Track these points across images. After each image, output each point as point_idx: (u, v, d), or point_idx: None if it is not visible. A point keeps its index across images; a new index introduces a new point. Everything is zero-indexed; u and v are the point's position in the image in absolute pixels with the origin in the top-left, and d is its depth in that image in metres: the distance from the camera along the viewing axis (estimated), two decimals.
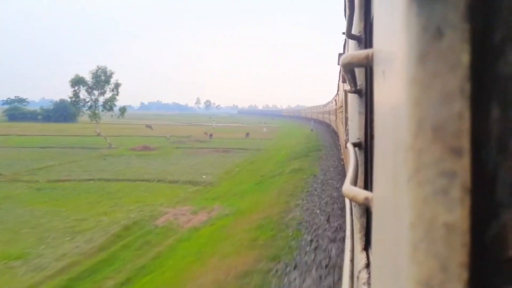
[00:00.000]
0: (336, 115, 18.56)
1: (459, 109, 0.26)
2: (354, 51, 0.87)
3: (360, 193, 0.73)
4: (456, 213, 0.26)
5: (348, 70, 1.06)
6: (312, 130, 42.59)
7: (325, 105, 39.24)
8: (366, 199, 0.71)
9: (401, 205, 0.31)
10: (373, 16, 1.43)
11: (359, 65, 0.75)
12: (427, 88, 0.27)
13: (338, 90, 15.22)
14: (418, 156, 0.27)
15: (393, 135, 0.36)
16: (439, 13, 0.26)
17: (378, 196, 0.55)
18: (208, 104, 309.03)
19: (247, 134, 45.40)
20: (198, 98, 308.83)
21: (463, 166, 0.26)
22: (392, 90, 0.37)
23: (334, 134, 27.75)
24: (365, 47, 1.59)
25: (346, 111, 5.30)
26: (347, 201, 1.60)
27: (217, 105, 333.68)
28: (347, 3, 1.71)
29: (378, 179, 0.56)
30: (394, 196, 0.35)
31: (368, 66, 1.57)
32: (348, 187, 0.79)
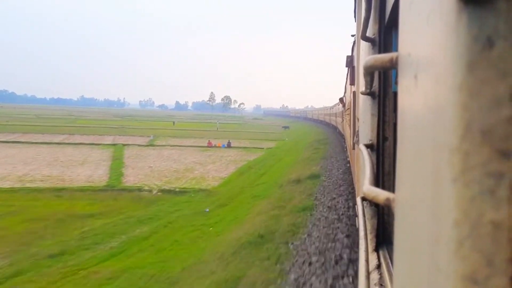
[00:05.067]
0: (343, 118, 18.54)
1: (508, 114, 0.27)
2: (377, 55, 0.88)
3: (381, 194, 0.74)
4: (503, 212, 0.26)
5: (369, 72, 1.07)
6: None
7: (331, 107, 38.74)
8: (388, 199, 0.72)
9: (442, 204, 0.33)
10: (388, 20, 1.44)
11: (383, 68, 0.76)
12: (475, 94, 0.28)
13: (345, 92, 15.19)
14: (465, 158, 0.28)
15: (430, 138, 0.38)
16: (490, 24, 0.27)
17: (404, 197, 0.56)
18: (226, 101, 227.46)
19: None
20: (212, 92, 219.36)
21: (511, 167, 0.27)
22: (430, 94, 0.38)
23: (341, 136, 26.69)
24: (379, 50, 1.60)
25: (354, 113, 5.30)
26: (358, 202, 1.61)
27: (240, 104, 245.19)
28: (363, 5, 1.73)
29: (404, 180, 0.57)
30: (432, 196, 0.36)
31: (383, 70, 1.58)
32: (368, 188, 0.80)
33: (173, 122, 71.00)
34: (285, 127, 71.66)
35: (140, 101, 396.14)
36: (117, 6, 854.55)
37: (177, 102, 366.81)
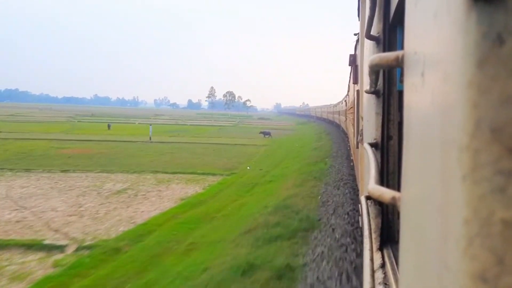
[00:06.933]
0: (346, 116, 18.49)
1: None
2: (383, 53, 0.88)
3: (387, 193, 0.74)
4: None
5: (374, 71, 1.07)
6: None
7: (335, 105, 38.39)
8: (393, 198, 0.72)
9: (451, 202, 0.32)
10: (392, 18, 1.44)
11: (388, 66, 0.76)
12: (485, 91, 0.27)
13: (348, 91, 15.17)
14: (474, 156, 0.28)
15: (438, 136, 0.38)
16: (501, 21, 0.27)
17: (410, 195, 0.56)
18: (230, 98, 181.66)
19: None
20: (212, 87, 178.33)
21: None
22: (437, 92, 0.38)
23: (344, 134, 25.31)
24: (384, 48, 1.59)
25: (357, 112, 5.29)
26: (362, 201, 1.61)
27: (245, 100, 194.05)
28: (367, 4, 1.72)
29: (410, 178, 0.57)
30: (440, 194, 0.36)
31: (388, 68, 1.58)
32: (374, 187, 0.80)
33: (108, 126, 51.39)
34: (266, 134, 42.87)
35: (155, 100, 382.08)
36: (132, 3, 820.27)
37: (189, 101, 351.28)
